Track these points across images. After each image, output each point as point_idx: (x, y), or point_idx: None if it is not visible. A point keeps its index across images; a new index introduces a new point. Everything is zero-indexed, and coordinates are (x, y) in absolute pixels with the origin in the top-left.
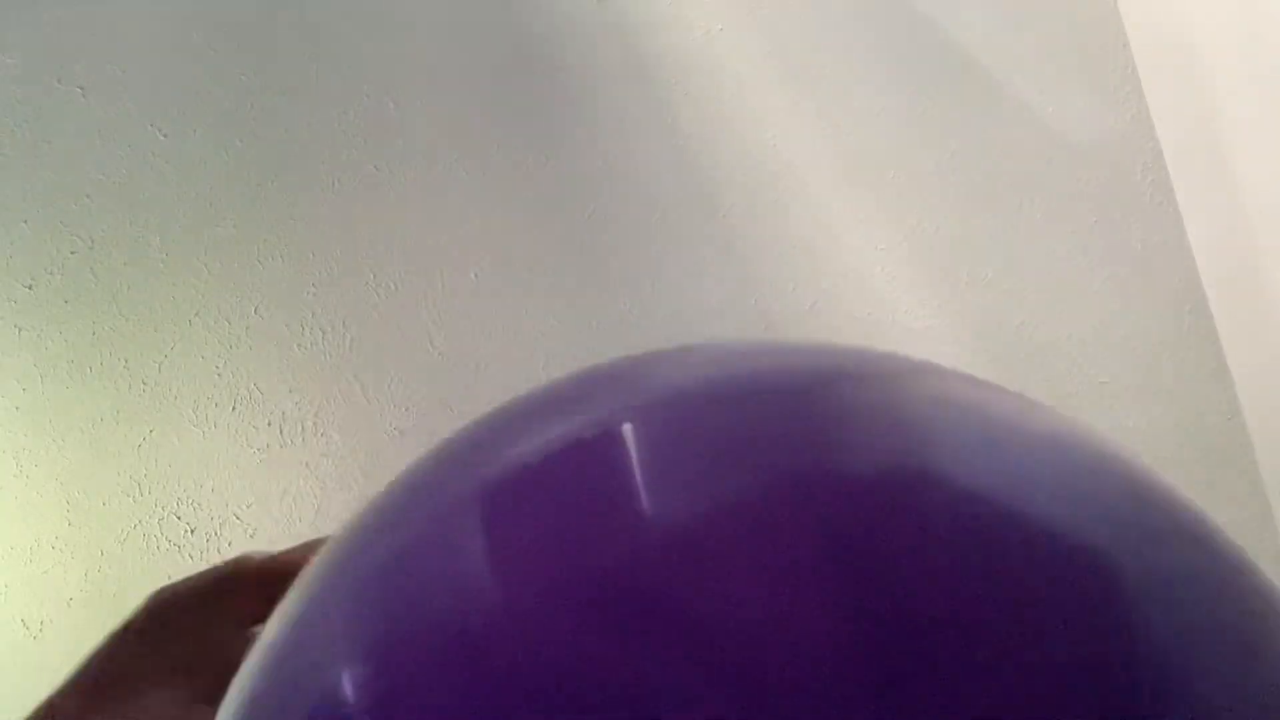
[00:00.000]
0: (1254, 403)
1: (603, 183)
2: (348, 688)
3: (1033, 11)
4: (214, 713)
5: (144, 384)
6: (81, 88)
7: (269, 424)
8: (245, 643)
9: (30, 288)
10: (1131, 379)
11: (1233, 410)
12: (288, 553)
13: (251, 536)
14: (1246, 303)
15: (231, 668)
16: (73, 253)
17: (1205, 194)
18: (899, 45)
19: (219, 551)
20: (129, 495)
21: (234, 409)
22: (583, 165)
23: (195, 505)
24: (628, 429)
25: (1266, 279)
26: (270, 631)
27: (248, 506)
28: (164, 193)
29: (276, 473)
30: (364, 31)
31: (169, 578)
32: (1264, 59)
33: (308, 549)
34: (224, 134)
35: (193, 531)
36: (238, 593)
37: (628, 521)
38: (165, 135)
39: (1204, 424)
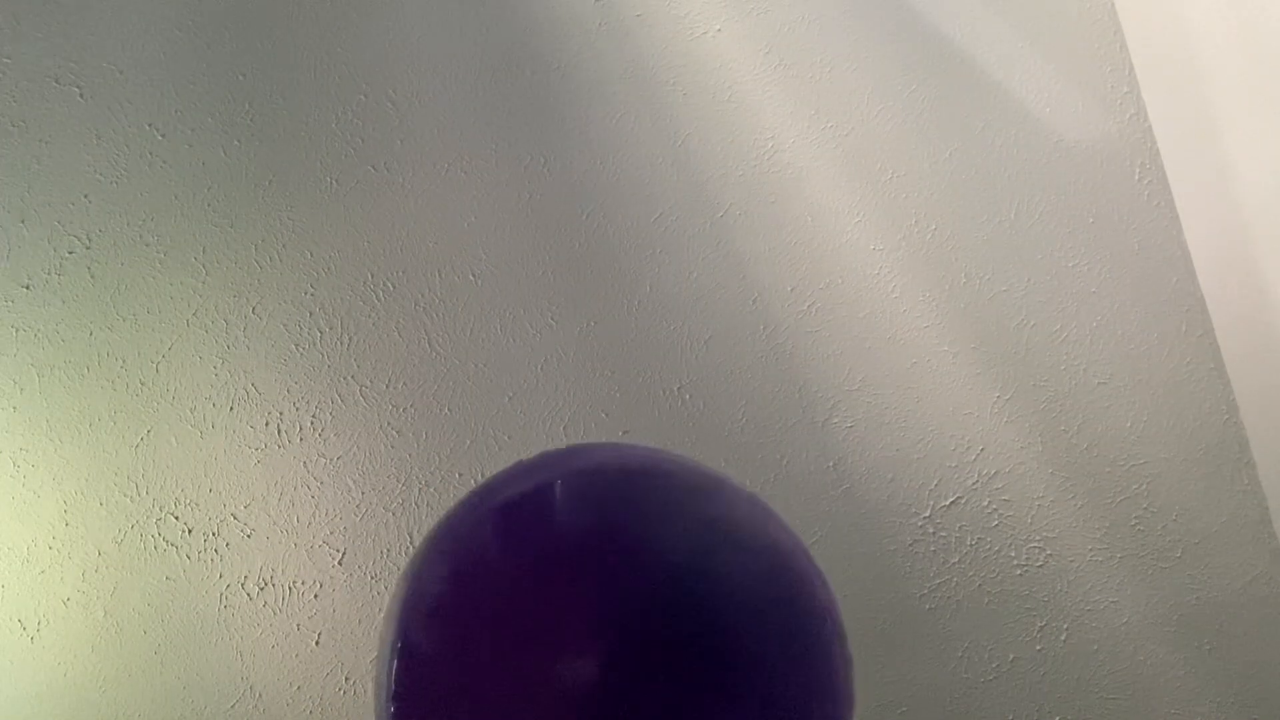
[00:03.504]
0: (1251, 402)
1: (600, 183)
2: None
3: (1031, 12)
4: None
5: (141, 384)
6: (79, 88)
7: (266, 424)
8: None
9: (28, 288)
10: (1129, 378)
11: (1230, 409)
12: None
13: (249, 537)
14: (1243, 302)
15: None
16: (70, 253)
17: (1202, 194)
18: (897, 46)
19: (216, 552)
20: (126, 495)
21: (232, 409)
22: (581, 165)
23: (193, 505)
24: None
25: (1263, 278)
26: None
27: (245, 506)
28: (162, 193)
29: (274, 473)
30: (362, 32)
31: (166, 578)
32: (1261, 60)
33: None
34: (222, 134)
35: (190, 531)
36: None
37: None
38: (163, 136)
39: (1201, 424)
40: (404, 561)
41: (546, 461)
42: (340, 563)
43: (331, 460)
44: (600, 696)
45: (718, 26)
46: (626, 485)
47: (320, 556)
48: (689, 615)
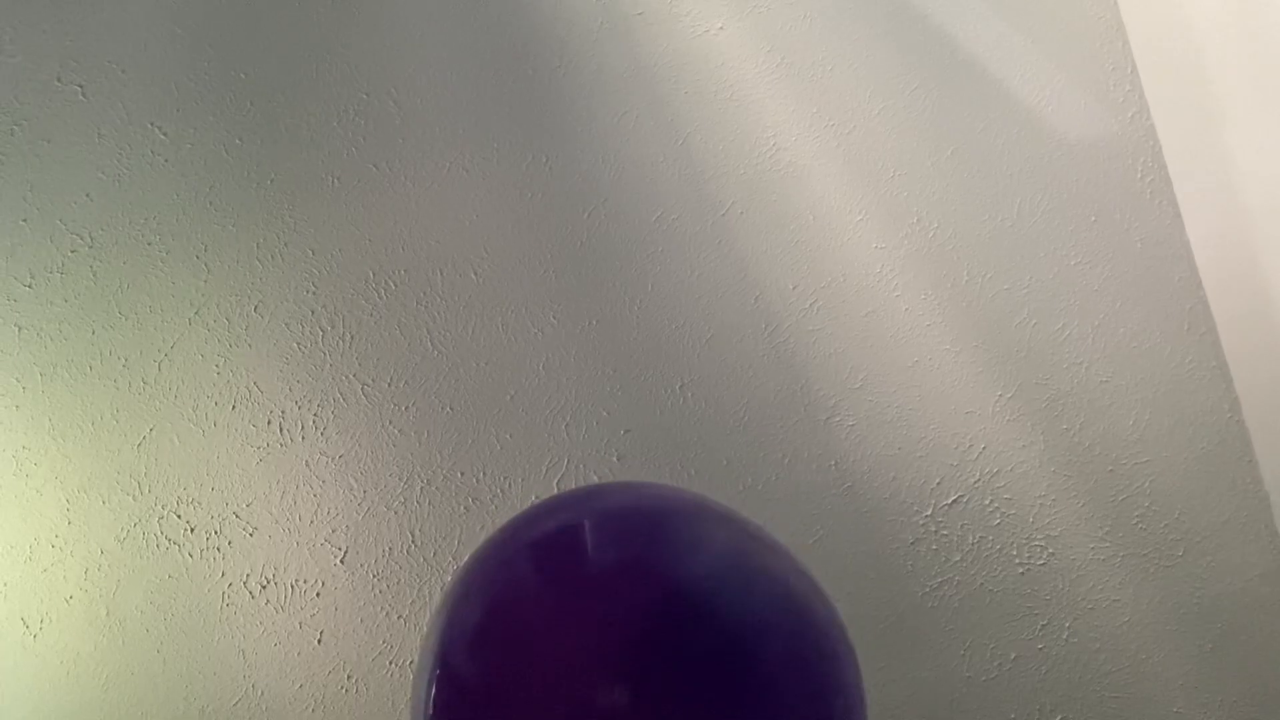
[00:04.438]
0: (1253, 400)
1: (602, 181)
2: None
3: (1033, 11)
4: None
5: (144, 383)
6: (81, 86)
7: (269, 423)
8: None
9: (30, 286)
10: (1131, 377)
11: (1232, 407)
12: None
13: (251, 535)
14: (1246, 301)
15: None
16: (72, 251)
17: (1204, 192)
18: (899, 44)
19: (218, 550)
20: (129, 494)
21: (234, 408)
22: (582, 164)
23: (195, 504)
24: (584, 528)
25: (1266, 277)
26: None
27: (247, 505)
28: (163, 192)
29: (276, 471)
30: (364, 30)
31: (169, 576)
32: (1263, 58)
33: None
34: (224, 133)
35: (192, 530)
36: None
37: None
38: (165, 134)
39: (1204, 422)
40: (406, 560)
41: (572, 500)
42: (342, 561)
43: (333, 459)
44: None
45: (719, 25)
46: (648, 523)
47: (322, 555)
48: (716, 647)
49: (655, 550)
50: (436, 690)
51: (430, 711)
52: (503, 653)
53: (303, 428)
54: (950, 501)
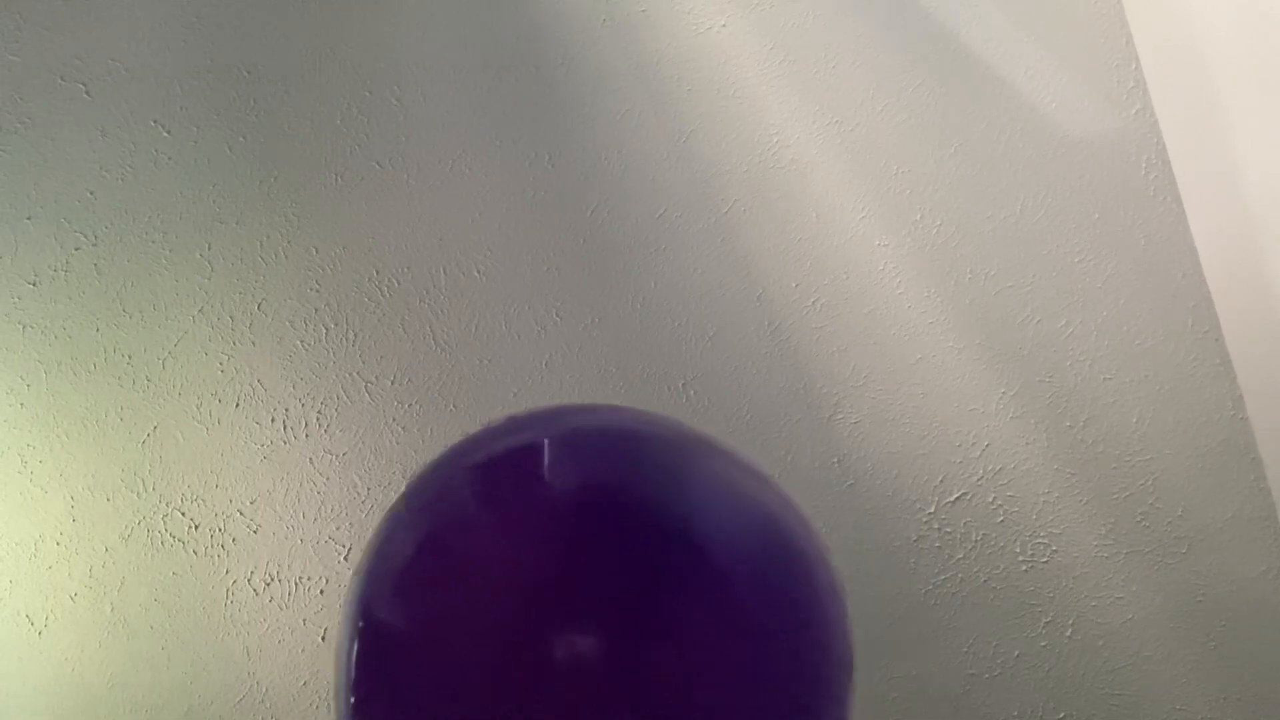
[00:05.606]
0: (1257, 398)
1: (605, 179)
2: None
3: (1037, 6)
4: None
5: (147, 380)
6: (84, 85)
7: (272, 420)
8: None
9: (34, 284)
10: (1135, 374)
11: (1236, 405)
12: None
13: (255, 532)
14: (1250, 298)
15: None
16: (76, 249)
17: (1209, 190)
18: (902, 41)
19: (223, 547)
20: (132, 491)
21: (237, 405)
22: (585, 161)
23: (199, 501)
24: (545, 446)
25: (1270, 274)
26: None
27: (251, 502)
28: (167, 189)
29: (280, 469)
30: (367, 28)
31: (173, 574)
32: (1267, 56)
33: None
34: (227, 131)
35: (196, 527)
36: None
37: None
38: (168, 132)
39: (1207, 420)
40: None
41: (528, 421)
42: (346, 558)
43: (337, 456)
44: (599, 668)
45: (722, 22)
46: (619, 445)
47: (326, 552)
48: (689, 579)
49: (620, 474)
50: (360, 645)
51: (353, 673)
52: (440, 596)
53: (306, 425)
54: (953, 499)
